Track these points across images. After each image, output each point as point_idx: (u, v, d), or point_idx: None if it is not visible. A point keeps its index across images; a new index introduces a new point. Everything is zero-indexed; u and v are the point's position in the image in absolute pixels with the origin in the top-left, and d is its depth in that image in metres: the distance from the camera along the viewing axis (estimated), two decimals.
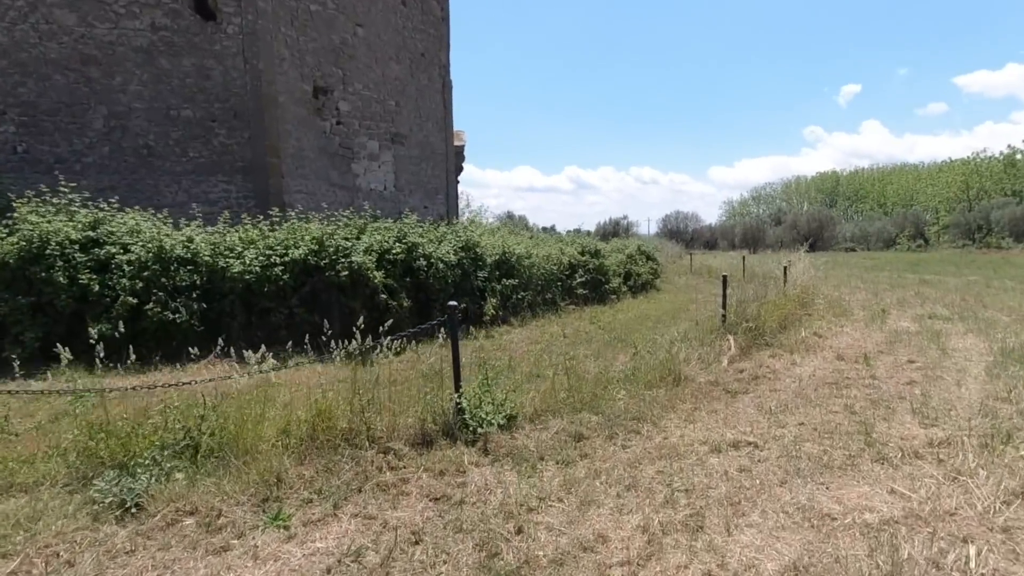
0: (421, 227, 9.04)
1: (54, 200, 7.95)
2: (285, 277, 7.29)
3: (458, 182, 21.96)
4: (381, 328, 4.49)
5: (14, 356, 6.90)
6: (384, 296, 7.61)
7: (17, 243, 6.65)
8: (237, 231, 7.86)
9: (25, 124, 12.23)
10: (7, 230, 6.95)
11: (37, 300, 6.65)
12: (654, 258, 17.03)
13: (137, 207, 9.27)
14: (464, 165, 21.71)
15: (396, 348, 4.61)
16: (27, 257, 6.68)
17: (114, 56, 12.24)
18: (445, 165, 16.95)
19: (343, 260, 7.45)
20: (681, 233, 51.75)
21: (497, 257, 9.92)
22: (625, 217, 51.40)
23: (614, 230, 44.19)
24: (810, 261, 13.79)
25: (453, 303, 4.30)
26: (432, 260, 8.50)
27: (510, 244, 10.37)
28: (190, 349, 7.08)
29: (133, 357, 4.46)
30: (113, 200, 8.99)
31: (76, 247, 6.89)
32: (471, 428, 4.05)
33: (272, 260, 7.29)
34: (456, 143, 18.37)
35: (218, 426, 3.73)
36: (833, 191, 68.69)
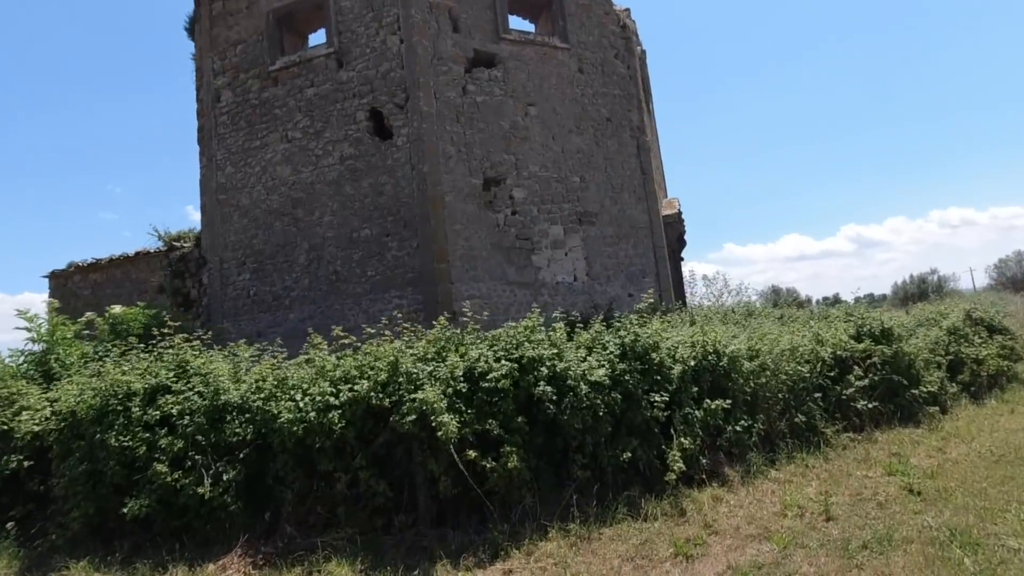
0: (550, 332, 6.09)
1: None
2: (340, 425, 5.06)
3: (681, 259, 18.33)
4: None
5: (54, 536, 6.04)
6: (473, 454, 4.79)
7: (84, 398, 5.82)
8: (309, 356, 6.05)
9: (255, 270, 13.28)
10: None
11: (93, 467, 5.61)
12: (1002, 327, 10.65)
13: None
14: (686, 238, 18.08)
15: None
16: (91, 416, 5.78)
17: (313, 193, 12.72)
18: (651, 241, 13.76)
19: (408, 397, 4.94)
20: None
21: (693, 363, 6.30)
22: (934, 272, 39.00)
23: (920, 291, 33.24)
24: None
25: None
26: (568, 382, 5.43)
27: (715, 339, 6.63)
28: (227, 530, 5.28)
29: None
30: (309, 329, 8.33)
31: (137, 399, 5.79)
32: None
33: (328, 401, 5.17)
34: (667, 212, 15.11)
35: None
36: None
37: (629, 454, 5.40)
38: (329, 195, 12.48)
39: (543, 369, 5.36)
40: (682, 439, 5.67)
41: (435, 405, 4.67)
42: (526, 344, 5.57)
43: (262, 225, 13.14)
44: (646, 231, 13.83)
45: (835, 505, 4.92)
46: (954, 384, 8.57)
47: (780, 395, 6.92)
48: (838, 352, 7.63)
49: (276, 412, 5.22)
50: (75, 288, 14.97)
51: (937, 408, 7.78)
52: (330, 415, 5.07)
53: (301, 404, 5.18)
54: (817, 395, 7.02)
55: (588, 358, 5.90)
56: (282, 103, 12.66)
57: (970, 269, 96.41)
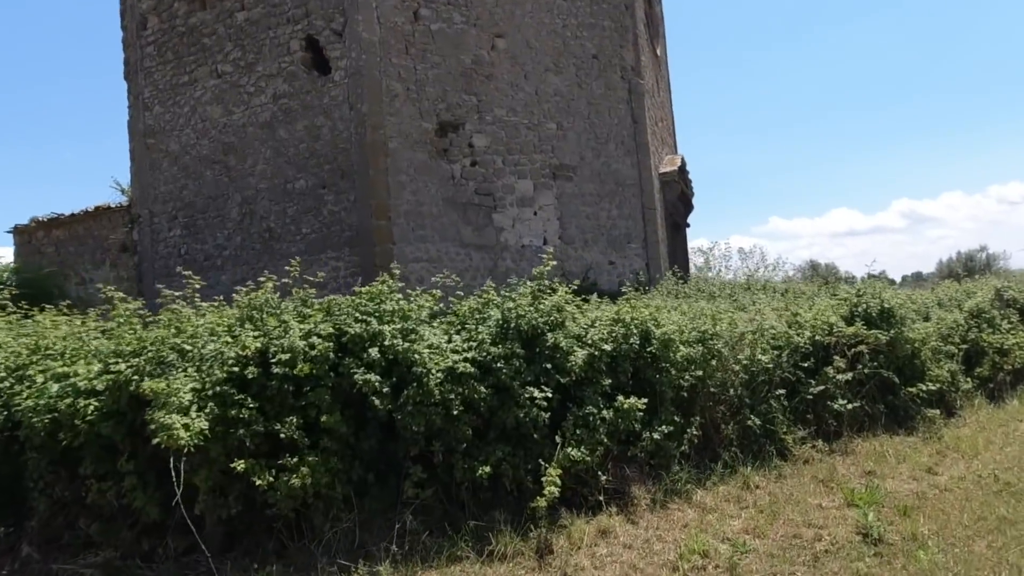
0: (412, 303, 4.72)
1: None
2: (93, 416, 3.80)
3: (687, 226, 16.53)
4: None
5: None
6: (242, 465, 3.49)
7: None
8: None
9: (186, 225, 12.17)
10: None
11: None
12: None
13: None
14: (694, 202, 16.23)
15: None
16: None
17: (246, 138, 11.40)
18: (640, 201, 12.05)
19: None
20: None
21: (609, 347, 4.84)
22: (983, 249, 35.76)
23: (967, 269, 30.39)
24: None
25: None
26: (415, 370, 4.06)
27: (646, 316, 5.14)
28: None
29: None
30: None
31: None
32: None
33: (79, 384, 3.91)
34: (665, 169, 13.32)
35: None
36: None
37: (488, 468, 4.02)
38: (262, 140, 11.13)
39: (373, 351, 3.98)
40: (571, 449, 4.26)
41: (168, 398, 3.35)
42: (366, 317, 4.19)
43: (192, 174, 11.92)
44: (634, 189, 12.11)
45: (752, 556, 3.49)
46: (969, 379, 6.89)
47: (732, 391, 5.42)
48: (818, 337, 6.03)
49: (20, 393, 3.99)
50: (39, 245, 14.14)
51: (940, 411, 6.15)
52: (82, 402, 3.81)
53: (49, 385, 3.93)
54: (781, 392, 5.47)
55: (455, 337, 4.51)
56: (211, 30, 11.22)
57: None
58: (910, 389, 6.01)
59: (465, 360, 4.22)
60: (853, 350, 6.03)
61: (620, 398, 4.67)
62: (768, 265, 21.17)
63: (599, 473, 4.43)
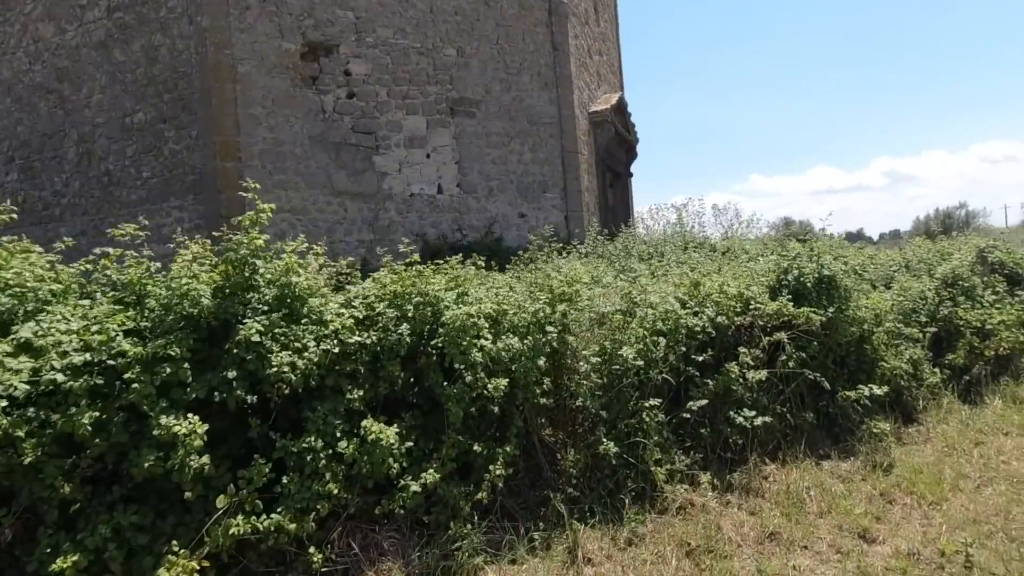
0: None
1: None
2: None
3: (630, 175, 14.59)
4: None
5: None
6: None
7: None
8: None
9: (23, 168, 10.13)
10: None
11: None
12: None
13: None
14: (638, 149, 14.23)
15: None
16: None
17: (79, 62, 9.27)
18: (559, 143, 10.08)
19: None
20: None
21: (361, 339, 3.03)
22: (962, 206, 34.06)
23: (944, 227, 28.51)
24: None
25: None
26: None
27: (426, 287, 3.31)
28: None
29: None
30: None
31: None
32: None
33: None
34: (597, 108, 11.30)
35: None
36: None
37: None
38: (97, 64, 9.03)
39: None
40: (239, 520, 2.49)
41: None
42: None
43: (26, 106, 9.84)
44: (552, 129, 10.12)
45: None
46: (937, 370, 5.18)
47: (580, 401, 3.65)
48: (720, 319, 4.23)
49: None
50: None
51: (895, 418, 4.46)
52: None
53: None
54: (655, 402, 3.70)
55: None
56: None
57: (1004, 205, 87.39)
58: (848, 393, 4.27)
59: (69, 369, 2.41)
60: (771, 338, 4.26)
61: (367, 423, 2.90)
62: (743, 222, 19.91)
63: (311, 550, 2.68)
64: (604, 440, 3.52)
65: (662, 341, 3.85)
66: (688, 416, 3.91)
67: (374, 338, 3.12)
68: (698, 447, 3.95)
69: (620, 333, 3.93)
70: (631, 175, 14.72)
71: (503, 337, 3.35)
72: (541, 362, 3.40)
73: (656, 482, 3.56)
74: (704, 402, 3.77)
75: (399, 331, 3.14)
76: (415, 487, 2.91)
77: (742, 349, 4.05)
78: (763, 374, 4.09)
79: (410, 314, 3.21)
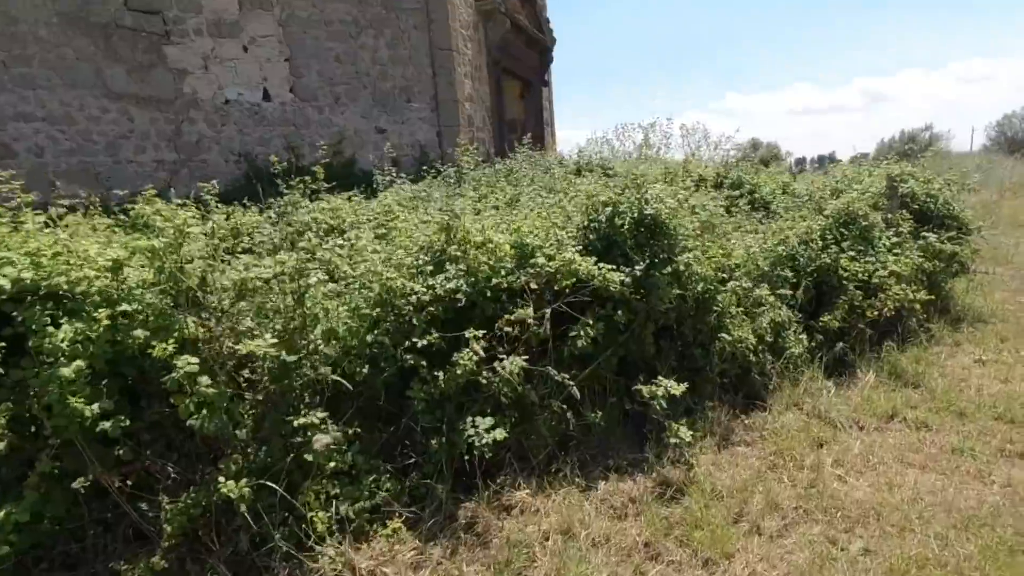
0: None
1: None
2: None
3: (545, 84, 12.73)
4: None
5: None
6: None
7: None
8: None
9: None
10: None
11: None
12: (951, 214, 5.84)
13: None
14: (554, 54, 12.28)
15: None
16: None
17: None
18: (427, 35, 8.17)
19: None
20: None
21: None
22: (927, 128, 33.17)
23: (908, 150, 27.62)
24: None
25: None
26: None
27: None
28: None
29: None
30: None
31: None
32: None
33: None
34: None
35: None
36: None
37: None
38: None
39: None
40: None
41: None
42: None
43: None
44: (418, 17, 8.17)
45: None
46: (804, 337, 4.01)
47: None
48: (471, 279, 2.85)
49: None
50: None
51: (691, 434, 3.26)
52: None
53: None
54: (321, 414, 2.37)
55: None
56: None
57: (971, 128, 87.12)
58: (653, 388, 3.02)
59: None
60: (556, 306, 2.94)
61: None
62: (711, 144, 18.79)
63: None
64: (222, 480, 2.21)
65: (374, 317, 2.47)
66: (415, 426, 2.67)
67: None
68: (426, 466, 2.70)
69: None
70: (546, 83, 12.85)
71: None
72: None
73: (317, 531, 2.32)
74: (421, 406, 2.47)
75: None
76: None
77: (471, 335, 2.70)
78: (521, 362, 2.78)
79: None
